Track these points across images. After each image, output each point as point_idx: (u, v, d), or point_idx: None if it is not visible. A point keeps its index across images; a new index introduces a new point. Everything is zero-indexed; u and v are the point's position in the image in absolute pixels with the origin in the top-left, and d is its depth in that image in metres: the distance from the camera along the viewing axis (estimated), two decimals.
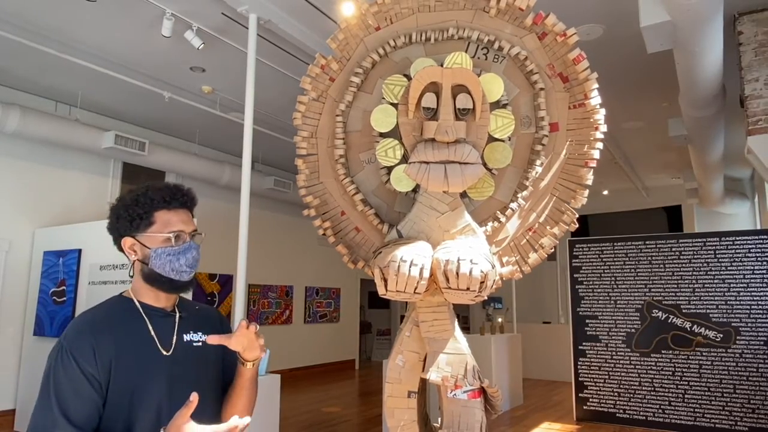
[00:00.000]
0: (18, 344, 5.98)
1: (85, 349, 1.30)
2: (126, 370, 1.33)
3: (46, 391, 1.27)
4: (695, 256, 6.08)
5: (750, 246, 5.83)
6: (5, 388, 5.88)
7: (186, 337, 1.47)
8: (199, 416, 1.27)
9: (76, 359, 1.28)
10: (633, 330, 6.29)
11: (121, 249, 1.47)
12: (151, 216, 1.43)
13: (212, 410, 1.46)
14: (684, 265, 6.12)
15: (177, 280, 1.43)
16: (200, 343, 1.48)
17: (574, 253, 6.77)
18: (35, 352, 5.77)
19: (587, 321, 6.56)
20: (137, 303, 1.44)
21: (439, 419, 2.28)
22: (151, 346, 1.39)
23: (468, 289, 1.94)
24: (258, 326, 1.44)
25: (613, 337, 6.38)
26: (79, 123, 6.35)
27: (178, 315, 1.49)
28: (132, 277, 1.46)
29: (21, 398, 5.86)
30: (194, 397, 1.22)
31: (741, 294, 5.79)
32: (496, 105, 2.35)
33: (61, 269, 5.61)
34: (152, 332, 1.40)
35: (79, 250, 5.45)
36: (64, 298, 5.47)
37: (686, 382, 5.91)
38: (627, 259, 6.46)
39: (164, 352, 1.40)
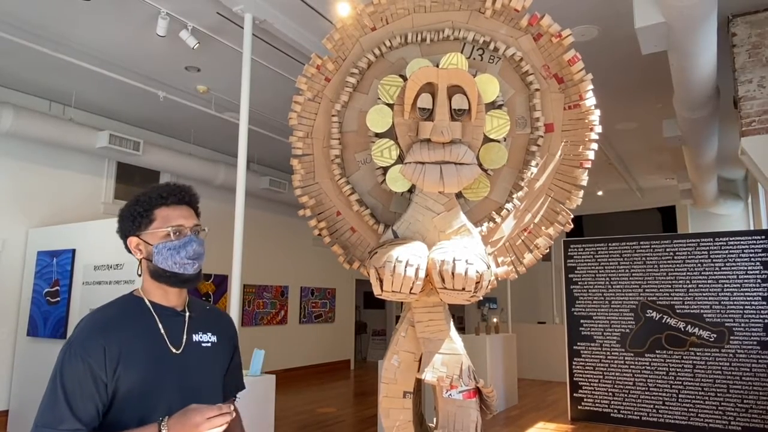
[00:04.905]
0: (11, 345, 5.94)
1: (95, 349, 1.31)
2: (136, 368, 1.35)
3: (54, 387, 1.29)
4: (689, 257, 6.11)
5: (743, 246, 5.86)
6: None
7: (195, 337, 1.50)
8: None
9: (85, 359, 1.30)
10: (627, 330, 6.31)
11: (130, 251, 1.51)
12: (151, 214, 1.47)
13: None
14: (678, 265, 6.15)
15: (182, 273, 1.46)
16: (209, 344, 1.52)
17: (569, 254, 6.79)
18: (29, 353, 5.73)
19: (582, 321, 6.58)
20: (147, 302, 1.46)
21: (435, 419, 2.28)
22: (161, 344, 1.41)
23: (463, 289, 1.95)
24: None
25: (608, 337, 6.40)
26: (74, 122, 6.32)
27: (188, 314, 1.52)
28: (141, 275, 1.49)
29: (14, 399, 5.81)
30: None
31: (734, 294, 5.82)
32: (492, 106, 2.35)
33: (54, 269, 5.58)
34: (162, 331, 1.43)
35: (73, 250, 5.42)
36: (58, 299, 5.44)
37: (680, 382, 5.94)
38: (621, 259, 6.48)
39: (174, 351, 1.43)
